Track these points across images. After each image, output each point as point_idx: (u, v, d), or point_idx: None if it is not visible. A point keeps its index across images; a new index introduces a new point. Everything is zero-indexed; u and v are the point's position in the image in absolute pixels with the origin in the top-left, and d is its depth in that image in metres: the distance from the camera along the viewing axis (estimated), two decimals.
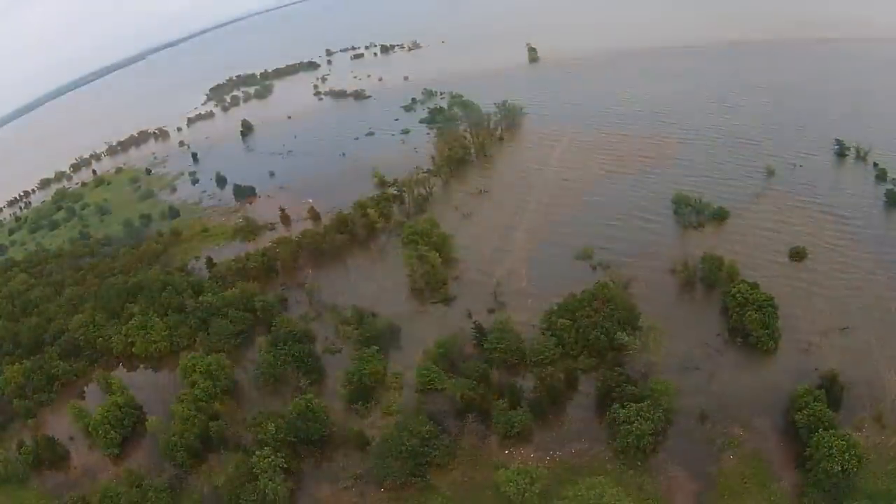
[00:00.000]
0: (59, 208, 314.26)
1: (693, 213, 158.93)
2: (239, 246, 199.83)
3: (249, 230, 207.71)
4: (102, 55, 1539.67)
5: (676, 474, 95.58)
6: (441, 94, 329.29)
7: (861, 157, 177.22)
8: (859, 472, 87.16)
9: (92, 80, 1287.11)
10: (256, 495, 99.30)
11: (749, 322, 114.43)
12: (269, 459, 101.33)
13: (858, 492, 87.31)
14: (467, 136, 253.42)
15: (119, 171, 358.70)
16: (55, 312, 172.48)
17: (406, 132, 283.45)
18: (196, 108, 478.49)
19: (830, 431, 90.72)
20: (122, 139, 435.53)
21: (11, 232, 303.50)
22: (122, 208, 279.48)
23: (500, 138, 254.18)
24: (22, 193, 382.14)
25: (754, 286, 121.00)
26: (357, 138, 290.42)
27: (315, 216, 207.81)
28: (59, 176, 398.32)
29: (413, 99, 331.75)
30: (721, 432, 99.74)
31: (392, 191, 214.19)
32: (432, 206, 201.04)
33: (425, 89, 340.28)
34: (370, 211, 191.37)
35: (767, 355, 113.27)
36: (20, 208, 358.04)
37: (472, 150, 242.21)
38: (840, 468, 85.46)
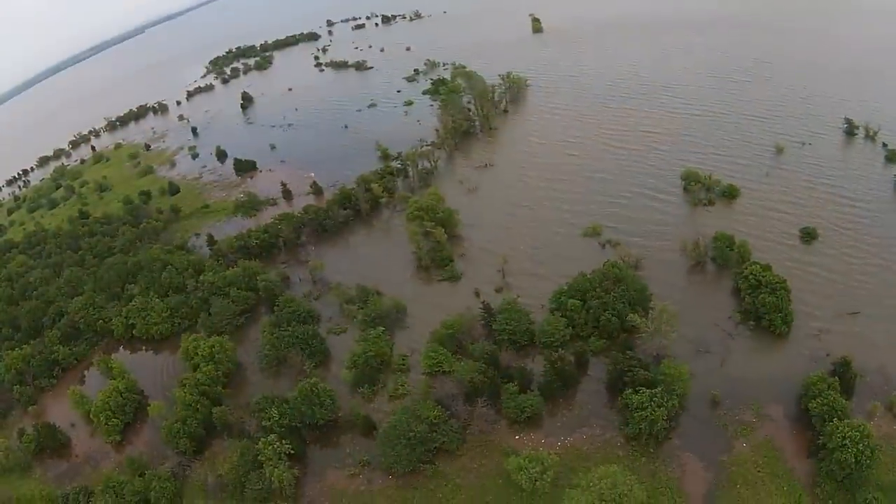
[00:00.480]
0: (58, 186, 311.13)
1: (703, 191, 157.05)
2: (240, 222, 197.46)
3: (251, 205, 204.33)
4: (101, 30, 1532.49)
5: (689, 462, 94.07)
6: (444, 64, 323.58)
7: (870, 136, 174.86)
8: (872, 464, 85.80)
9: (91, 56, 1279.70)
10: (262, 483, 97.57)
11: (762, 305, 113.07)
12: (275, 446, 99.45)
13: (870, 483, 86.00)
14: (471, 108, 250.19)
15: (118, 147, 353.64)
16: (54, 295, 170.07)
17: (409, 104, 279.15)
18: (195, 81, 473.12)
19: (845, 421, 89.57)
20: (121, 114, 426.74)
21: (10, 212, 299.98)
22: (121, 185, 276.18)
23: (505, 111, 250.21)
24: (21, 172, 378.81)
25: (767, 268, 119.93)
26: (359, 110, 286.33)
27: (317, 191, 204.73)
28: (59, 153, 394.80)
29: (415, 70, 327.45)
30: (734, 419, 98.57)
31: (396, 164, 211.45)
32: (436, 181, 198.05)
33: (428, 60, 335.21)
34: (374, 185, 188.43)
35: (780, 339, 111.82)
36: (19, 187, 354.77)
37: (477, 123, 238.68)
38: (854, 459, 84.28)
